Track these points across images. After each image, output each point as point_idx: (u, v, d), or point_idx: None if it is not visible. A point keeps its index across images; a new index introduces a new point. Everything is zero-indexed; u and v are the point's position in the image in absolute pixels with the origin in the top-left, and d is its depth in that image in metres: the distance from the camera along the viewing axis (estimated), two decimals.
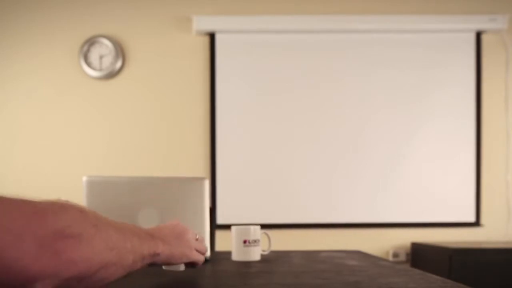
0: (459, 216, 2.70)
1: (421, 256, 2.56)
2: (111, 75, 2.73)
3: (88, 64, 2.71)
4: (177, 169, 2.72)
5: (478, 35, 2.74)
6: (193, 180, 1.17)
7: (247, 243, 1.17)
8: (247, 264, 1.11)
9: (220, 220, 2.60)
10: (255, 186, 2.68)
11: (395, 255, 2.75)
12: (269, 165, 2.70)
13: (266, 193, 2.68)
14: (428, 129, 2.72)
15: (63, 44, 2.72)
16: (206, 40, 2.75)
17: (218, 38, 2.73)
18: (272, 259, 1.20)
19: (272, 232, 2.63)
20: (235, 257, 1.18)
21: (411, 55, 2.73)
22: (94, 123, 2.74)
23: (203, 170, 2.72)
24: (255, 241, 1.18)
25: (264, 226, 2.62)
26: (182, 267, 0.87)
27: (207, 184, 1.18)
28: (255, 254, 1.19)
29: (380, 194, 2.69)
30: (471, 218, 2.71)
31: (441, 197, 2.71)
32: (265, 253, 1.25)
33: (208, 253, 1.17)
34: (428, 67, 2.73)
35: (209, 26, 2.68)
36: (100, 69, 2.72)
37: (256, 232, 1.19)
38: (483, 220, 2.73)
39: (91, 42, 2.70)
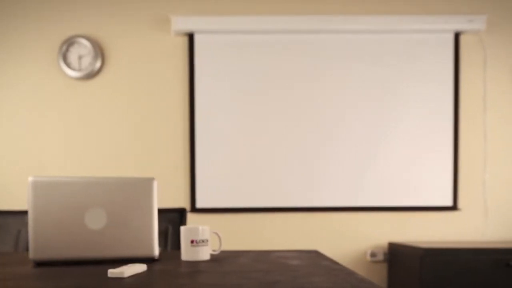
0: (437, 201, 2.74)
1: (397, 256, 2.58)
2: (91, 75, 2.75)
3: (67, 65, 2.73)
4: (156, 168, 2.74)
5: (457, 36, 2.75)
6: (142, 181, 1.19)
7: (194, 243, 1.18)
8: (192, 264, 1.13)
9: (200, 204, 2.69)
10: (235, 171, 2.72)
11: (373, 254, 2.77)
12: (250, 151, 2.73)
13: (246, 177, 2.72)
14: (407, 123, 2.74)
15: (42, 44, 2.74)
16: (185, 41, 2.76)
17: (197, 39, 2.74)
18: (221, 259, 1.21)
19: (253, 216, 2.67)
20: (183, 256, 1.20)
21: (391, 54, 2.74)
22: (73, 123, 2.76)
23: (183, 163, 2.74)
24: (203, 241, 1.20)
25: (244, 210, 2.69)
26: (126, 274, 0.88)
27: (155, 185, 1.20)
28: (203, 254, 1.20)
29: (359, 179, 2.73)
30: (449, 203, 2.74)
31: (420, 183, 2.74)
32: (215, 253, 1.26)
33: (156, 253, 1.19)
34: (408, 66, 2.74)
35: (188, 27, 2.69)
36: (79, 69, 2.73)
37: (204, 232, 1.20)
38: (460, 204, 2.76)
39: (70, 42, 2.71)
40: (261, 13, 2.74)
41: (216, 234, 1.26)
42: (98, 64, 2.74)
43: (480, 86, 2.78)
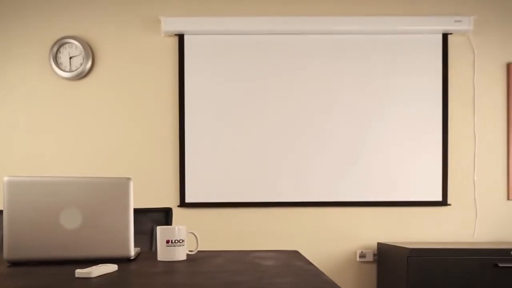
0: (427, 196, 2.75)
1: (385, 257, 2.58)
2: (81, 75, 2.76)
3: (58, 65, 2.74)
4: (146, 164, 2.75)
5: (445, 36, 2.76)
6: (118, 181, 1.20)
7: (170, 243, 1.19)
8: (167, 264, 1.13)
9: (189, 199, 2.71)
10: (224, 167, 2.74)
11: (362, 255, 2.78)
12: (238, 147, 2.74)
13: (235, 173, 2.74)
14: (396, 121, 2.75)
15: (33, 45, 2.75)
16: (175, 41, 2.77)
17: (187, 39, 2.75)
18: (197, 259, 1.22)
19: (241, 211, 2.68)
20: (159, 257, 1.20)
21: (380, 54, 2.75)
22: (64, 123, 2.77)
23: (172, 159, 2.75)
24: (179, 241, 1.20)
25: (232, 205, 2.70)
26: (94, 274, 0.89)
27: (131, 185, 1.21)
28: (179, 254, 1.21)
29: (350, 175, 2.75)
30: (438, 198, 2.74)
31: (410, 179, 2.75)
32: (192, 253, 1.27)
33: (132, 253, 1.20)
34: (397, 66, 2.75)
35: (178, 28, 2.70)
36: (70, 70, 2.74)
37: (180, 232, 1.21)
38: (450, 200, 2.77)
39: (60, 43, 2.72)
40: (250, 14, 2.75)
41: (193, 234, 1.27)
42: (88, 64, 2.75)
43: (468, 86, 2.79)
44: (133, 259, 1.22)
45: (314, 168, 2.75)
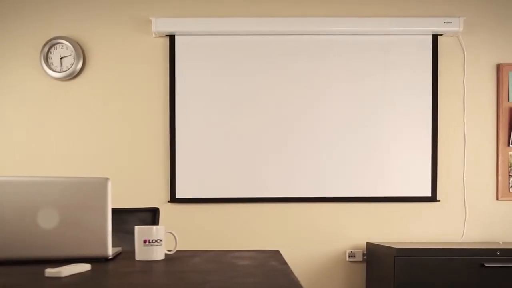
0: (417, 192, 2.76)
1: (374, 257, 2.59)
2: (72, 76, 2.77)
3: (49, 65, 2.75)
4: (137, 162, 2.76)
5: (435, 38, 2.77)
6: (96, 181, 1.21)
7: (147, 243, 1.20)
8: (144, 263, 1.14)
9: (180, 195, 2.73)
10: (214, 162, 2.75)
11: (351, 255, 2.79)
12: (228, 143, 2.76)
13: (225, 169, 2.76)
14: (385, 122, 2.76)
15: (24, 46, 2.76)
16: (166, 42, 2.78)
17: (178, 40, 2.76)
18: (175, 259, 1.23)
19: (231, 206, 2.70)
20: (137, 256, 1.21)
21: (370, 55, 2.76)
22: (55, 123, 2.78)
23: (163, 155, 2.76)
24: (156, 240, 1.21)
25: (223, 200, 2.71)
26: (63, 273, 0.90)
27: (109, 184, 1.22)
28: (157, 254, 1.22)
29: (339, 171, 2.76)
30: (428, 193, 2.76)
31: (400, 176, 2.76)
32: (171, 253, 1.28)
33: (109, 252, 1.21)
34: (387, 66, 2.76)
35: (168, 28, 2.71)
36: (61, 70, 2.75)
37: (158, 232, 1.22)
38: (439, 197, 2.78)
39: (51, 43, 2.73)
40: (241, 15, 2.76)
41: (172, 234, 1.28)
42: (79, 65, 2.76)
43: (458, 86, 2.80)
44: (111, 259, 1.23)
45: (304, 164, 2.76)
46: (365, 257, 2.77)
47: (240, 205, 2.79)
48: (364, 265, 2.79)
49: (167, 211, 2.74)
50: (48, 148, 2.77)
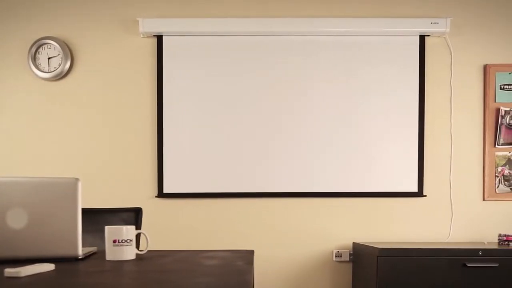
0: (403, 187, 2.77)
1: (359, 257, 2.60)
2: (60, 76, 2.78)
3: (37, 66, 2.76)
4: (125, 158, 2.77)
5: (422, 38, 2.77)
6: (66, 181, 1.22)
7: (117, 243, 1.21)
8: (113, 263, 1.15)
9: (167, 189, 2.75)
10: (201, 158, 2.77)
11: (338, 255, 2.80)
12: (215, 139, 2.77)
13: (212, 164, 2.77)
14: (375, 129, 2.77)
15: (12, 46, 2.77)
16: (153, 42, 2.79)
17: (166, 40, 2.77)
18: (145, 258, 1.24)
19: (218, 201, 2.70)
20: (107, 256, 1.23)
21: (358, 56, 2.77)
22: (44, 123, 2.79)
23: (150, 150, 2.77)
24: (126, 240, 1.22)
25: (209, 195, 2.72)
26: (23, 273, 0.91)
27: (79, 185, 1.23)
28: (128, 254, 1.23)
29: (328, 166, 2.77)
30: (414, 189, 2.77)
31: (387, 172, 2.77)
32: (142, 252, 1.29)
33: (79, 252, 1.22)
34: (375, 66, 2.77)
35: (156, 29, 2.72)
36: (49, 71, 2.76)
37: (128, 232, 1.23)
38: (425, 191, 2.79)
39: (39, 44, 2.74)
40: (228, 16, 2.77)
41: (143, 234, 1.29)
42: (67, 65, 2.77)
43: (445, 87, 2.80)
44: (82, 259, 1.24)
45: (292, 160, 2.77)
46: (351, 257, 2.77)
47: (226, 200, 2.80)
48: (350, 265, 2.80)
49: (154, 206, 2.77)
50: (36, 148, 2.78)
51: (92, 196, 2.76)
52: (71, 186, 1.21)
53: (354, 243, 2.72)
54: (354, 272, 2.73)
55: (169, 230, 2.79)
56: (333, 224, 2.80)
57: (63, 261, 1.18)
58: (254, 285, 1.49)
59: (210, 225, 2.79)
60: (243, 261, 1.16)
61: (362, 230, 2.80)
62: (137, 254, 1.28)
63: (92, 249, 1.39)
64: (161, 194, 2.77)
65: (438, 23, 2.70)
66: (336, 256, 2.80)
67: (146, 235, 1.29)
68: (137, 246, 1.94)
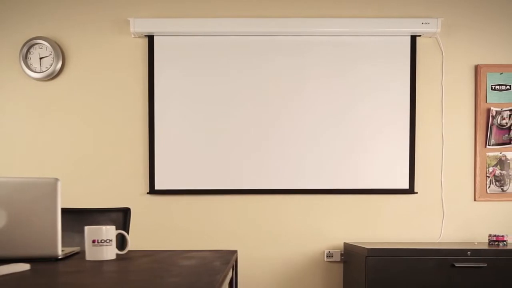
0: (395, 184, 2.77)
1: (350, 257, 2.60)
2: (52, 76, 2.78)
3: (29, 66, 2.76)
4: (116, 155, 2.78)
5: (414, 39, 2.78)
6: (45, 181, 1.22)
7: (96, 243, 1.22)
8: (91, 263, 1.16)
9: (159, 186, 2.76)
10: (192, 155, 2.78)
11: (329, 255, 2.80)
12: (206, 136, 2.78)
13: (203, 161, 2.78)
14: (367, 129, 2.77)
15: (3, 46, 2.78)
16: (145, 42, 2.79)
17: (157, 40, 2.78)
18: (126, 258, 1.24)
19: (209, 198, 2.70)
20: (87, 256, 1.23)
21: (348, 56, 2.77)
22: (36, 123, 2.79)
23: (142, 147, 2.78)
24: (106, 241, 1.23)
25: (200, 192, 2.72)
26: None
27: (59, 185, 1.23)
28: (107, 254, 1.23)
29: (317, 163, 2.77)
30: (405, 186, 2.77)
31: (378, 169, 2.77)
32: (122, 252, 1.29)
33: (59, 252, 1.22)
34: (366, 67, 2.77)
35: (147, 29, 2.72)
36: (41, 71, 2.77)
37: (108, 232, 1.23)
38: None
39: (30, 44, 2.75)
40: (219, 16, 2.78)
41: (123, 234, 1.29)
42: (59, 65, 2.77)
43: (437, 87, 2.80)
44: (62, 259, 1.24)
45: (283, 158, 2.77)
46: (342, 257, 2.78)
47: (217, 197, 2.80)
48: (342, 265, 2.81)
49: (146, 203, 2.78)
50: (29, 147, 2.79)
51: (84, 193, 2.77)
52: (50, 186, 1.21)
53: (345, 243, 2.72)
54: (345, 273, 2.73)
55: (161, 226, 2.79)
56: (324, 223, 2.81)
57: (43, 261, 1.19)
58: (238, 284, 1.49)
59: (201, 222, 2.80)
60: (220, 261, 1.16)
61: (354, 229, 2.81)
62: (117, 254, 1.28)
63: (75, 249, 1.40)
64: (152, 190, 2.77)
65: (429, 23, 2.71)
66: (327, 256, 2.80)
67: (126, 235, 1.29)
68: (123, 246, 1.94)
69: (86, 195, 2.78)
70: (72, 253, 1.35)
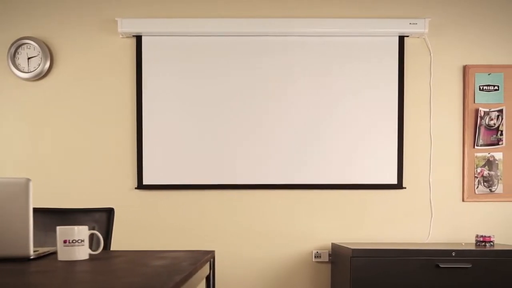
0: (383, 179, 2.78)
1: (337, 257, 2.60)
2: (40, 76, 2.78)
3: (17, 66, 2.76)
4: (104, 151, 2.78)
5: (402, 39, 2.78)
6: (17, 181, 1.22)
7: (67, 243, 1.21)
8: (63, 263, 1.16)
9: (147, 181, 2.77)
10: (181, 149, 2.78)
11: (317, 255, 2.80)
12: (194, 132, 2.79)
13: (191, 156, 2.78)
14: (355, 131, 2.77)
15: None
16: (132, 42, 2.79)
17: (145, 40, 2.78)
18: (98, 259, 1.24)
19: (197, 193, 2.70)
20: (59, 256, 1.23)
21: (336, 57, 2.77)
22: (24, 123, 2.80)
23: (130, 142, 2.78)
24: (77, 241, 1.22)
25: (189, 187, 2.72)
26: None
27: (30, 185, 1.23)
28: (80, 254, 1.23)
29: (306, 158, 2.78)
30: (394, 181, 2.77)
31: (366, 165, 2.78)
32: (95, 253, 1.29)
33: (30, 252, 1.22)
34: (354, 68, 2.77)
35: (134, 29, 2.73)
36: (29, 71, 2.77)
37: (80, 232, 1.23)
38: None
39: (18, 44, 2.75)
40: (206, 16, 2.78)
41: (96, 234, 1.29)
42: (47, 65, 2.78)
43: (425, 87, 2.80)
44: (34, 259, 1.24)
45: (273, 152, 2.77)
46: (330, 257, 2.78)
47: (206, 192, 2.80)
48: (330, 266, 2.80)
49: (134, 198, 2.79)
50: (14, 148, 2.79)
51: (73, 189, 2.79)
52: (22, 186, 1.21)
53: (332, 244, 2.72)
54: (333, 273, 2.73)
55: (148, 221, 2.80)
56: (312, 223, 2.80)
57: (14, 261, 1.19)
58: (215, 285, 1.49)
59: (189, 218, 2.80)
60: (190, 261, 1.16)
61: (343, 228, 2.80)
62: (90, 255, 1.28)
63: (50, 249, 1.40)
64: (140, 186, 2.78)
65: (416, 23, 2.70)
66: (315, 256, 2.80)
67: (100, 236, 1.29)
68: (105, 246, 1.94)
69: (74, 191, 2.78)
70: (47, 253, 1.35)
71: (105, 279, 0.87)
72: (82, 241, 1.23)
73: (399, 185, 2.77)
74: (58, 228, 1.23)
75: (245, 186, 2.79)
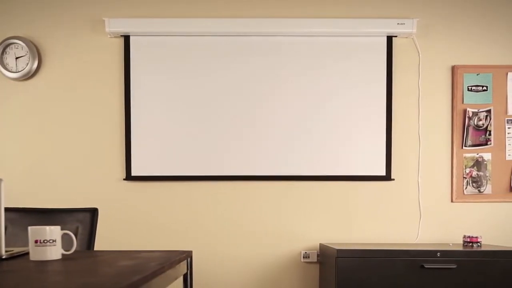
0: (372, 171, 2.77)
1: (325, 258, 2.60)
2: (28, 76, 2.78)
3: (5, 66, 2.76)
4: (94, 153, 2.77)
5: (390, 39, 2.77)
6: None
7: (38, 243, 1.21)
8: (36, 263, 1.15)
9: (135, 172, 2.77)
10: (169, 141, 2.78)
11: (306, 256, 2.79)
12: (183, 124, 2.78)
13: (180, 147, 2.78)
14: (342, 131, 2.77)
15: None
16: (120, 42, 2.79)
17: (133, 40, 2.77)
18: (71, 259, 1.24)
19: (186, 184, 2.69)
20: (31, 256, 1.23)
21: (323, 57, 2.77)
22: (12, 122, 2.79)
23: (118, 133, 2.77)
24: (49, 241, 1.22)
25: (176, 178, 2.70)
26: None
27: (2, 186, 1.23)
28: (52, 254, 1.23)
29: (296, 151, 2.78)
30: (382, 173, 2.77)
31: (355, 156, 2.77)
32: (68, 253, 1.29)
33: (2, 252, 1.22)
34: (342, 68, 2.77)
35: (122, 29, 2.72)
36: (17, 71, 2.77)
37: (52, 232, 1.23)
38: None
39: (6, 44, 2.75)
40: (195, 16, 2.77)
41: (69, 234, 1.29)
42: (35, 65, 2.77)
43: (413, 88, 2.80)
44: (6, 259, 1.24)
45: (263, 144, 2.77)
46: (319, 257, 2.77)
47: (194, 183, 2.80)
48: (318, 266, 2.80)
49: (122, 189, 2.79)
50: (7, 148, 2.79)
51: (61, 182, 2.79)
52: None
53: (320, 244, 2.72)
54: (321, 274, 2.72)
55: (136, 213, 2.79)
56: (300, 217, 2.79)
57: None
58: (193, 285, 1.48)
59: (176, 210, 2.79)
60: (159, 261, 1.16)
61: (331, 225, 2.79)
62: (63, 255, 1.28)
63: (24, 249, 1.39)
64: (129, 177, 2.77)
65: (404, 23, 2.70)
66: (304, 257, 2.80)
67: (72, 236, 1.29)
68: (89, 246, 1.94)
69: (63, 183, 2.78)
70: (20, 253, 1.34)
71: (60, 280, 0.86)
72: (54, 241, 1.23)
73: (387, 177, 2.76)
74: (29, 228, 1.23)
75: (234, 177, 2.77)
